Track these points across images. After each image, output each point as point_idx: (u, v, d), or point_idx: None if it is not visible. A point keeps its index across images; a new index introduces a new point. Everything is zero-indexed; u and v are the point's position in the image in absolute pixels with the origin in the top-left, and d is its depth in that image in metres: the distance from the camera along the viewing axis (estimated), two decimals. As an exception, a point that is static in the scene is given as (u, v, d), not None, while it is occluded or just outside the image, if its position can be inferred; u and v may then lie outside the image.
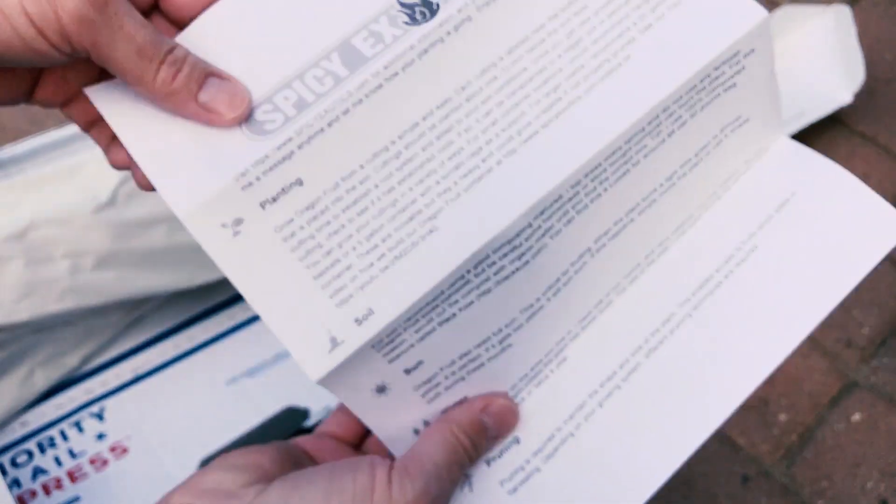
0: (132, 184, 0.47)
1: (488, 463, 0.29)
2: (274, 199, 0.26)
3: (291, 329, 0.26)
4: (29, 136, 0.48)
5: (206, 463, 0.44)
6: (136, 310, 0.50)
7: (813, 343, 0.58)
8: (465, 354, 0.28)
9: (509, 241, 0.27)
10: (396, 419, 0.28)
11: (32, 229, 0.45)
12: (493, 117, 0.28)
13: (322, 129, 0.27)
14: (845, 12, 0.70)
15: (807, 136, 0.68)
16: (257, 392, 0.49)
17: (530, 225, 0.27)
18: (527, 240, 0.28)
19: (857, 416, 0.55)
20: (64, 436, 0.47)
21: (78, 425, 0.47)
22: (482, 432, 0.28)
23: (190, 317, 0.52)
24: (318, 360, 0.25)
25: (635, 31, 0.29)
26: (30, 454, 0.46)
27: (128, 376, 0.49)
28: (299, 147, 0.26)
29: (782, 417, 0.54)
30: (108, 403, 0.48)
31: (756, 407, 0.54)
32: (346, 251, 0.26)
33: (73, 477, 0.45)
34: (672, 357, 0.31)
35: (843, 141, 0.71)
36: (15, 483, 0.45)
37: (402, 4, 0.28)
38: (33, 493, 0.44)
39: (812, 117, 0.68)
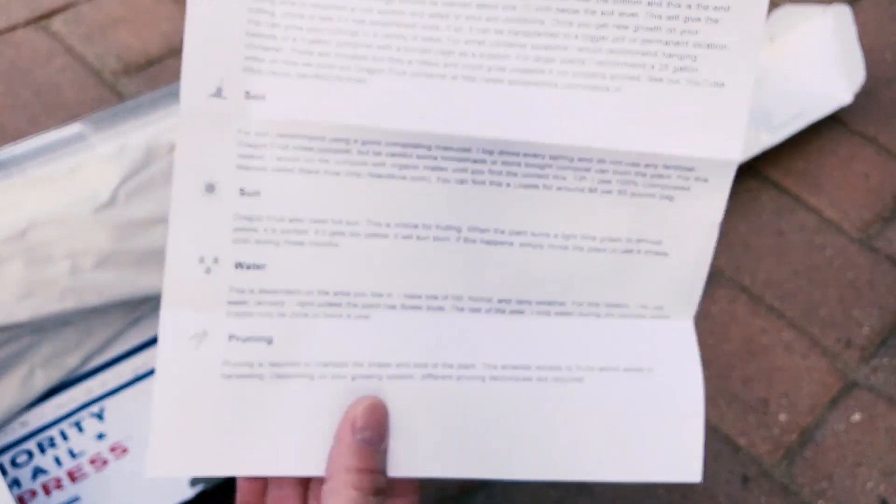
0: (132, 184, 0.47)
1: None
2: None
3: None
4: (29, 136, 0.48)
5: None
6: (136, 310, 0.50)
7: (813, 343, 0.58)
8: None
9: (413, 146, 0.29)
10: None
11: (32, 229, 0.45)
12: (486, 37, 0.28)
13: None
14: (845, 12, 0.70)
15: (807, 136, 0.68)
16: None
17: (428, 148, 0.29)
18: (420, 159, 0.29)
19: (856, 417, 0.55)
20: (64, 436, 0.47)
21: (78, 425, 0.47)
22: (372, 459, 0.29)
23: (190, 317, 0.52)
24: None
25: (645, 72, 0.29)
26: (30, 454, 0.46)
27: (128, 376, 0.49)
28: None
29: (782, 417, 0.54)
30: (109, 403, 0.48)
31: (756, 407, 0.55)
32: None
33: (73, 477, 0.45)
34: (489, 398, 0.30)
35: (843, 141, 0.71)
36: (15, 483, 0.45)
37: None
38: (33, 493, 0.44)
39: (812, 117, 0.68)
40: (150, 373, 0.50)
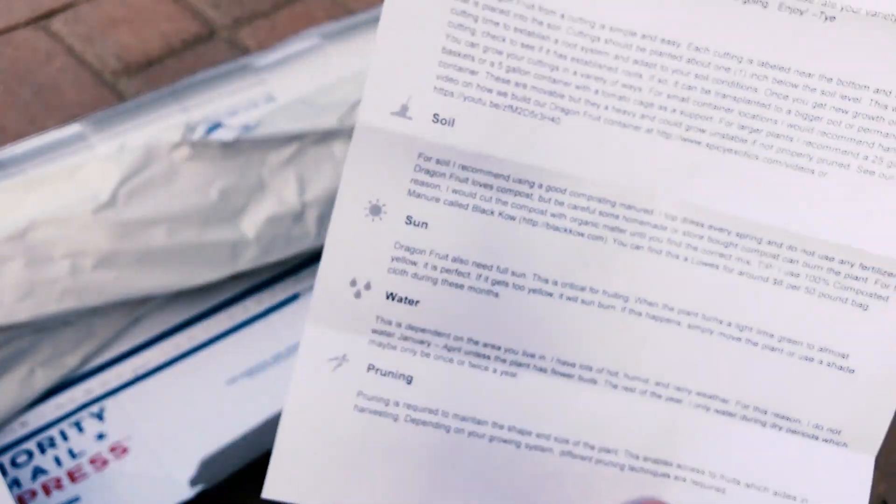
0: (132, 184, 0.47)
1: None
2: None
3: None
4: (29, 136, 0.48)
5: (206, 462, 0.44)
6: (136, 310, 0.50)
7: (812, 342, 0.58)
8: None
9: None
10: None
11: (32, 229, 0.45)
12: (691, 94, 0.27)
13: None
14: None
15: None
16: (257, 392, 0.49)
17: (612, 205, 0.27)
18: (601, 216, 0.27)
19: (855, 416, 0.55)
20: (64, 436, 0.47)
21: (78, 425, 0.47)
22: None
23: (190, 317, 0.52)
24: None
25: (857, 161, 0.26)
26: (30, 454, 0.46)
27: (128, 376, 0.49)
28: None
29: (781, 417, 0.54)
30: (108, 403, 0.48)
31: (755, 406, 0.55)
32: None
33: (73, 477, 0.45)
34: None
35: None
36: (15, 483, 0.45)
37: None
38: (33, 493, 0.44)
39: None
40: (152, 372, 0.50)
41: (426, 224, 0.28)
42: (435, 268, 0.28)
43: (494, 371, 0.28)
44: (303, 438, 0.28)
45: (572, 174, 0.27)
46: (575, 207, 0.27)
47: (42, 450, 0.46)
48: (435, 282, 0.28)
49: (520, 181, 0.27)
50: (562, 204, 0.27)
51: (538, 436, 0.28)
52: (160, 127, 0.49)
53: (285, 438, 0.28)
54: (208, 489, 0.44)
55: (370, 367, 0.28)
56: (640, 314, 0.28)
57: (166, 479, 0.45)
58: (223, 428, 0.47)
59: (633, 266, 0.27)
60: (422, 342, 0.28)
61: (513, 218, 0.28)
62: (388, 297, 0.28)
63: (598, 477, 0.28)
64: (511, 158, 0.27)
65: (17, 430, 0.47)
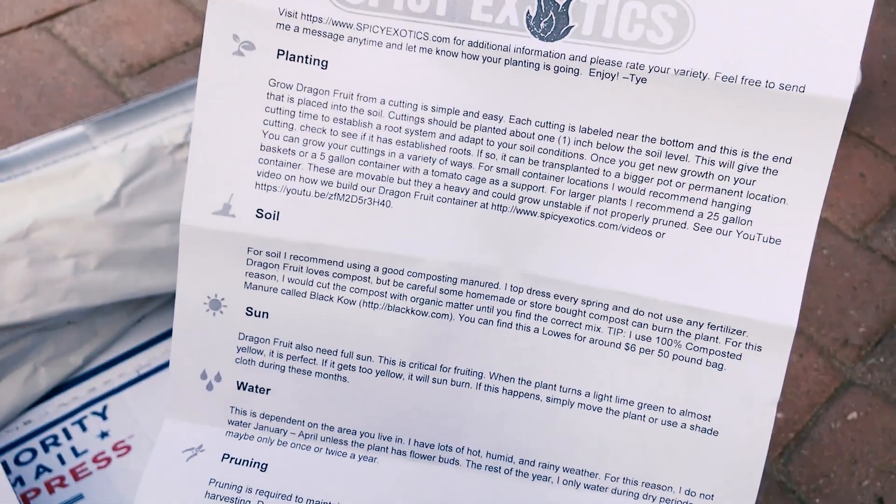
0: (135, 184, 0.47)
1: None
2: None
3: None
4: (32, 137, 0.48)
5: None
6: (139, 309, 0.51)
7: (809, 342, 0.58)
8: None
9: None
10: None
11: (35, 229, 0.46)
12: (520, 166, 0.26)
13: None
14: (842, 14, 0.70)
15: (804, 136, 0.69)
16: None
17: (453, 282, 0.27)
18: (443, 294, 0.27)
19: (853, 415, 0.55)
20: (67, 434, 0.47)
21: (81, 424, 0.47)
22: None
23: (192, 316, 0.52)
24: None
25: (692, 220, 0.26)
26: (33, 452, 0.46)
27: (131, 375, 0.49)
28: None
29: (779, 416, 0.54)
30: (112, 402, 0.48)
31: (753, 405, 0.55)
32: None
33: (76, 475, 0.45)
34: None
35: (840, 142, 0.71)
36: (19, 481, 0.45)
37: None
38: (37, 491, 0.45)
39: (809, 118, 0.68)
40: (154, 371, 0.50)
41: (267, 314, 0.28)
42: (281, 356, 0.28)
43: (353, 456, 0.28)
44: None
45: (408, 255, 0.27)
46: (415, 287, 0.27)
47: (45, 448, 0.46)
48: (283, 369, 0.28)
49: (355, 266, 0.27)
50: (401, 285, 0.27)
51: None
52: (163, 128, 0.49)
53: None
54: (210, 487, 0.44)
55: (225, 457, 0.28)
56: (496, 390, 0.27)
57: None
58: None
59: (483, 341, 0.27)
60: (277, 430, 0.28)
61: (352, 302, 0.27)
62: (239, 388, 0.28)
63: None
64: (342, 245, 0.27)
65: (20, 429, 0.47)
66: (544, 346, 0.27)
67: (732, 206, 0.26)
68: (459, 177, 0.26)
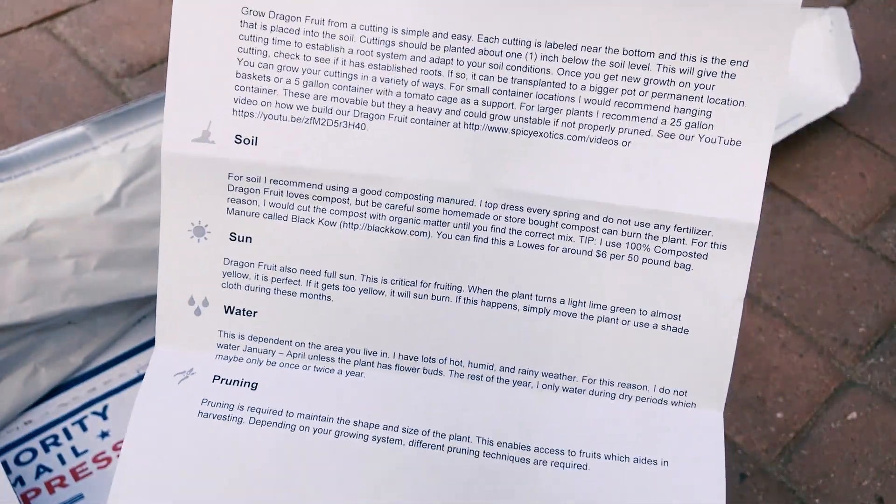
0: (135, 185, 0.47)
1: None
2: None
3: None
4: (33, 137, 0.48)
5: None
6: (139, 309, 0.51)
7: (809, 342, 0.58)
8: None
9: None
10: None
11: (36, 230, 0.46)
12: (490, 84, 0.27)
13: None
14: (841, 14, 0.70)
15: (803, 137, 0.69)
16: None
17: (430, 200, 0.28)
18: (420, 212, 0.28)
19: (853, 415, 0.55)
20: (67, 434, 0.47)
21: (81, 423, 0.47)
22: None
23: (193, 316, 0.52)
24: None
25: (656, 127, 0.27)
26: (33, 452, 0.46)
27: (131, 375, 0.49)
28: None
29: (779, 416, 0.55)
30: (112, 401, 0.48)
31: (753, 405, 0.55)
32: None
33: (76, 475, 0.45)
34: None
35: (839, 142, 0.71)
36: (19, 481, 0.45)
37: None
38: (37, 491, 0.45)
39: (808, 119, 0.68)
40: (153, 371, 0.50)
41: (250, 238, 0.28)
42: (266, 279, 0.29)
43: (340, 372, 0.29)
44: (147, 449, 0.28)
45: (385, 176, 0.28)
46: (393, 207, 0.28)
47: (46, 448, 0.46)
48: (268, 292, 0.29)
49: (334, 188, 0.28)
50: (379, 205, 0.28)
51: (385, 428, 0.28)
52: (163, 128, 0.49)
53: (130, 450, 0.28)
54: (210, 487, 0.44)
55: (215, 378, 0.29)
56: (475, 302, 0.28)
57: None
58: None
59: (461, 256, 0.28)
60: (266, 351, 0.29)
61: (333, 224, 0.28)
62: (226, 311, 0.29)
63: (452, 466, 0.28)
64: (320, 168, 0.27)
65: (20, 429, 0.47)
66: (520, 258, 0.28)
67: (694, 112, 0.27)
68: (431, 97, 0.27)
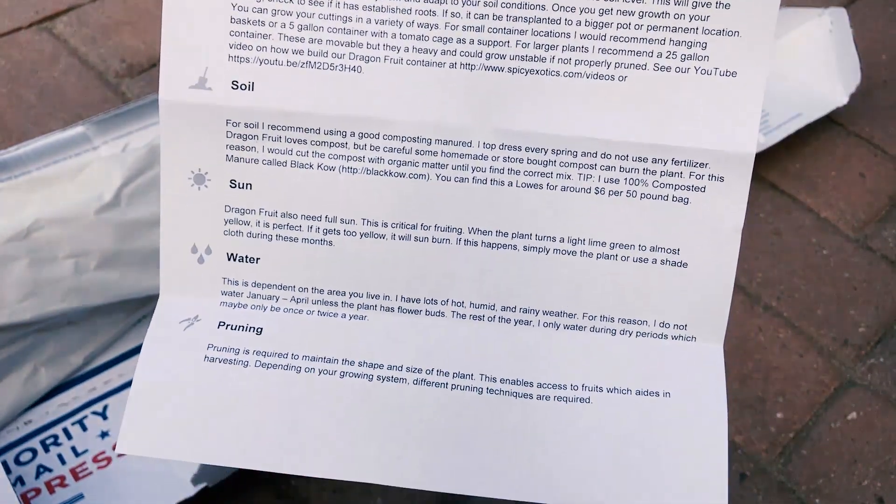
0: (135, 184, 0.47)
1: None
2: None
3: None
4: (33, 137, 0.48)
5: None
6: (139, 309, 0.51)
7: (809, 341, 0.58)
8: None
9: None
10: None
11: (36, 229, 0.46)
12: (485, 23, 0.27)
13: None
14: (842, 14, 0.70)
15: (803, 137, 0.69)
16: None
17: (428, 142, 0.28)
18: (419, 154, 0.28)
19: (853, 415, 0.55)
20: (67, 434, 0.47)
21: (81, 423, 0.47)
22: None
23: (193, 316, 0.52)
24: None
25: (652, 60, 0.27)
26: (33, 452, 0.46)
27: (131, 375, 0.49)
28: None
29: (779, 416, 0.55)
30: (112, 401, 0.48)
31: (753, 405, 0.55)
32: None
33: (76, 475, 0.45)
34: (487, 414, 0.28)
35: (839, 142, 0.71)
36: (19, 481, 0.45)
37: None
38: (37, 491, 0.45)
39: (808, 118, 0.68)
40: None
41: (250, 185, 0.28)
42: (267, 225, 0.29)
43: (343, 316, 0.29)
44: (154, 394, 0.28)
45: (383, 119, 0.28)
46: (392, 150, 0.28)
47: (46, 448, 0.46)
48: (270, 238, 0.29)
49: (332, 132, 0.28)
50: (378, 149, 0.28)
51: (390, 367, 0.28)
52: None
53: (137, 395, 0.28)
54: (210, 487, 0.44)
55: (220, 324, 0.29)
56: (476, 244, 0.29)
57: (169, 476, 0.45)
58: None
59: (460, 198, 0.28)
60: (269, 297, 0.29)
61: (332, 168, 0.28)
62: (229, 259, 0.29)
63: (456, 403, 0.28)
64: (317, 112, 0.28)
65: (21, 429, 0.47)
66: (519, 198, 0.28)
67: (689, 44, 0.27)
68: (427, 38, 0.27)
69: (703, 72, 0.27)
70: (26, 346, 0.47)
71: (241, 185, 0.29)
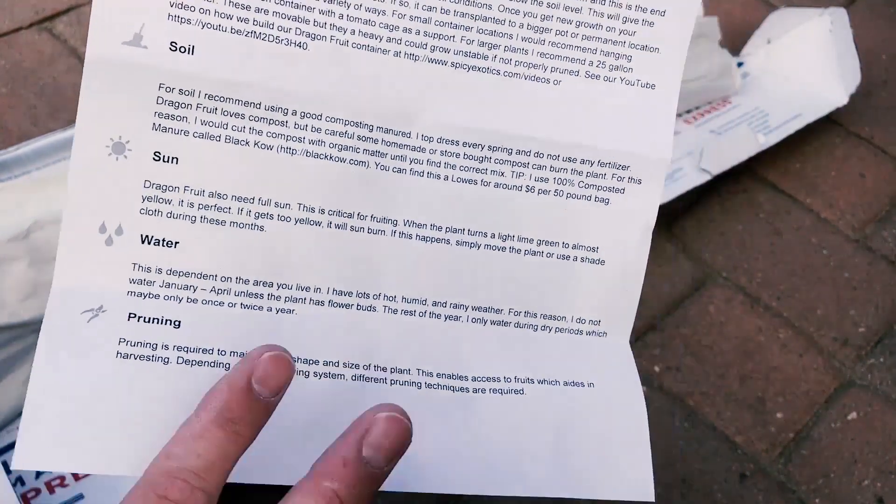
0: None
1: None
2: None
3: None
4: (33, 137, 0.48)
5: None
6: (139, 309, 0.51)
7: (809, 342, 0.58)
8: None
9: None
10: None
11: (36, 230, 0.46)
12: (432, 15, 0.27)
13: None
14: (841, 14, 0.70)
15: (803, 137, 0.69)
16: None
17: (370, 129, 0.27)
18: (360, 140, 0.27)
19: (853, 415, 0.55)
20: (67, 434, 0.47)
21: (81, 424, 0.47)
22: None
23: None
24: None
25: (584, 68, 0.29)
26: (33, 452, 0.46)
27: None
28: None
29: (779, 416, 0.55)
30: (112, 402, 0.48)
31: (753, 405, 0.55)
32: None
33: (76, 475, 0.45)
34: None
35: (839, 142, 0.71)
36: (18, 481, 0.45)
37: None
38: (37, 491, 0.45)
39: (808, 118, 0.68)
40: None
41: (176, 159, 0.26)
42: (192, 205, 0.26)
43: (270, 310, 0.27)
44: (59, 395, 0.24)
45: (326, 99, 0.27)
46: (333, 133, 0.27)
47: (46, 448, 0.46)
48: (193, 220, 0.26)
49: (273, 108, 0.26)
50: (319, 130, 0.27)
51: (326, 363, 0.27)
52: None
53: (34, 401, 0.24)
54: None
55: (131, 316, 0.26)
56: (410, 237, 0.28)
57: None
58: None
59: (398, 189, 0.28)
60: (186, 287, 0.26)
61: (270, 147, 0.26)
62: (143, 241, 0.26)
63: (396, 397, 0.27)
64: (260, 83, 0.26)
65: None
66: (454, 192, 0.28)
67: (617, 56, 0.29)
68: (374, 23, 0.27)
69: (628, 82, 0.29)
70: (26, 347, 0.47)
71: (165, 159, 0.26)
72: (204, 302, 0.26)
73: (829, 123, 0.71)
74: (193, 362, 0.26)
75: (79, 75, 0.67)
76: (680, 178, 0.62)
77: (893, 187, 0.69)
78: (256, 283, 0.27)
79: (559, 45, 0.28)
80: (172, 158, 0.26)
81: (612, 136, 0.29)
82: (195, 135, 0.26)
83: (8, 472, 0.45)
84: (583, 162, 0.29)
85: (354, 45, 0.27)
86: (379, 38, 0.27)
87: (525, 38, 0.28)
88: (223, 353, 0.26)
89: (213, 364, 0.26)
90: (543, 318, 0.29)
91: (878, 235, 0.66)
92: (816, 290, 0.61)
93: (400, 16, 0.27)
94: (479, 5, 0.28)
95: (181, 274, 0.26)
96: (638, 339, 0.57)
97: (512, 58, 0.28)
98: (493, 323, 0.29)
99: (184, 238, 0.26)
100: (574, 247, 0.29)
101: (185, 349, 0.26)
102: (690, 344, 0.57)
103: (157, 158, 0.26)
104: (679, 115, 0.69)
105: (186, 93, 0.26)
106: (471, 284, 0.29)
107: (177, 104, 0.26)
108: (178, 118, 0.26)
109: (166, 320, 0.26)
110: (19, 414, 0.47)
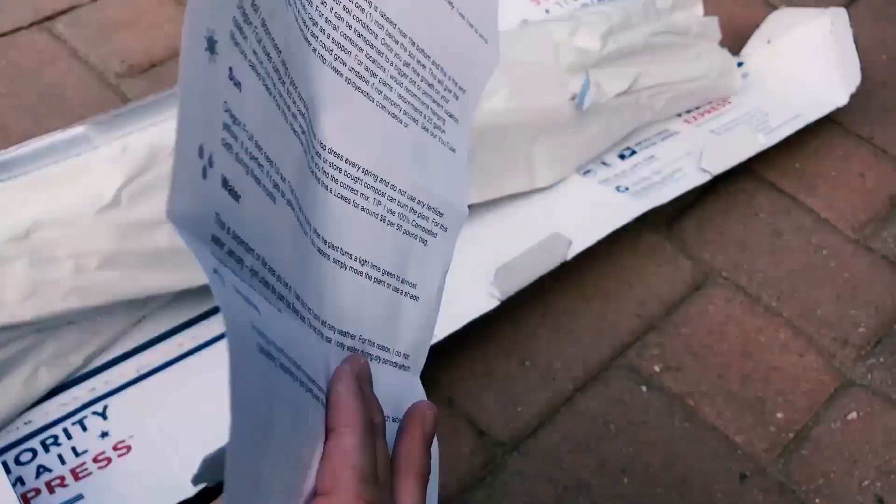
0: (135, 185, 0.47)
1: None
2: None
3: None
4: (33, 137, 0.48)
5: (209, 461, 0.45)
6: (139, 309, 0.51)
7: (809, 342, 0.58)
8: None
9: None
10: None
11: (36, 230, 0.46)
12: (340, 23, 0.27)
13: None
14: (842, 15, 0.70)
15: (803, 137, 0.69)
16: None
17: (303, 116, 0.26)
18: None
19: (853, 415, 0.55)
20: (67, 434, 0.47)
21: (81, 424, 0.47)
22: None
23: (193, 316, 0.52)
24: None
25: (421, 119, 0.30)
26: (33, 452, 0.46)
27: (131, 375, 0.49)
28: None
29: (779, 416, 0.55)
30: (112, 402, 0.48)
31: (753, 405, 0.55)
32: None
33: (76, 475, 0.45)
34: None
35: (839, 142, 0.71)
36: (19, 481, 0.45)
37: None
38: (37, 491, 0.45)
39: (808, 119, 0.68)
40: (154, 371, 0.50)
41: (240, 85, 0.21)
42: (247, 151, 0.22)
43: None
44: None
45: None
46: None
47: (46, 448, 0.46)
48: (247, 170, 0.21)
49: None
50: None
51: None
52: (163, 128, 0.49)
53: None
54: (211, 487, 0.44)
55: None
56: (327, 256, 0.28)
57: (169, 476, 0.45)
58: (226, 426, 0.47)
59: (315, 197, 0.27)
60: (239, 260, 0.21)
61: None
62: (223, 185, 0.20)
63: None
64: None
65: (21, 429, 0.47)
66: (331, 204, 0.28)
67: (439, 117, 0.31)
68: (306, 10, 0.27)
69: (442, 142, 0.31)
70: (26, 347, 0.47)
71: (234, 81, 0.21)
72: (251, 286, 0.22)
73: (829, 123, 0.71)
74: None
75: (79, 75, 0.67)
76: (680, 178, 0.62)
77: (893, 187, 0.69)
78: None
79: (411, 93, 0.30)
80: (238, 83, 0.21)
81: (437, 184, 0.31)
82: (248, 62, 0.22)
83: (8, 471, 0.45)
84: (419, 202, 0.30)
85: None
86: (308, 29, 0.26)
87: (393, 76, 0.29)
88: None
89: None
90: (378, 349, 0.30)
91: (877, 236, 0.66)
92: (816, 290, 0.61)
93: (319, 14, 0.27)
94: (371, 31, 0.28)
95: (242, 242, 0.21)
96: (638, 339, 0.57)
97: (383, 90, 0.29)
98: (349, 349, 0.28)
99: (244, 191, 0.21)
100: (402, 281, 0.30)
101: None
102: (690, 344, 0.57)
103: (230, 77, 0.21)
104: (679, 115, 0.69)
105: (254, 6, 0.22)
106: (317, 293, 0.27)
107: (246, 19, 0.22)
108: (244, 36, 0.22)
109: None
110: (19, 414, 0.47)
